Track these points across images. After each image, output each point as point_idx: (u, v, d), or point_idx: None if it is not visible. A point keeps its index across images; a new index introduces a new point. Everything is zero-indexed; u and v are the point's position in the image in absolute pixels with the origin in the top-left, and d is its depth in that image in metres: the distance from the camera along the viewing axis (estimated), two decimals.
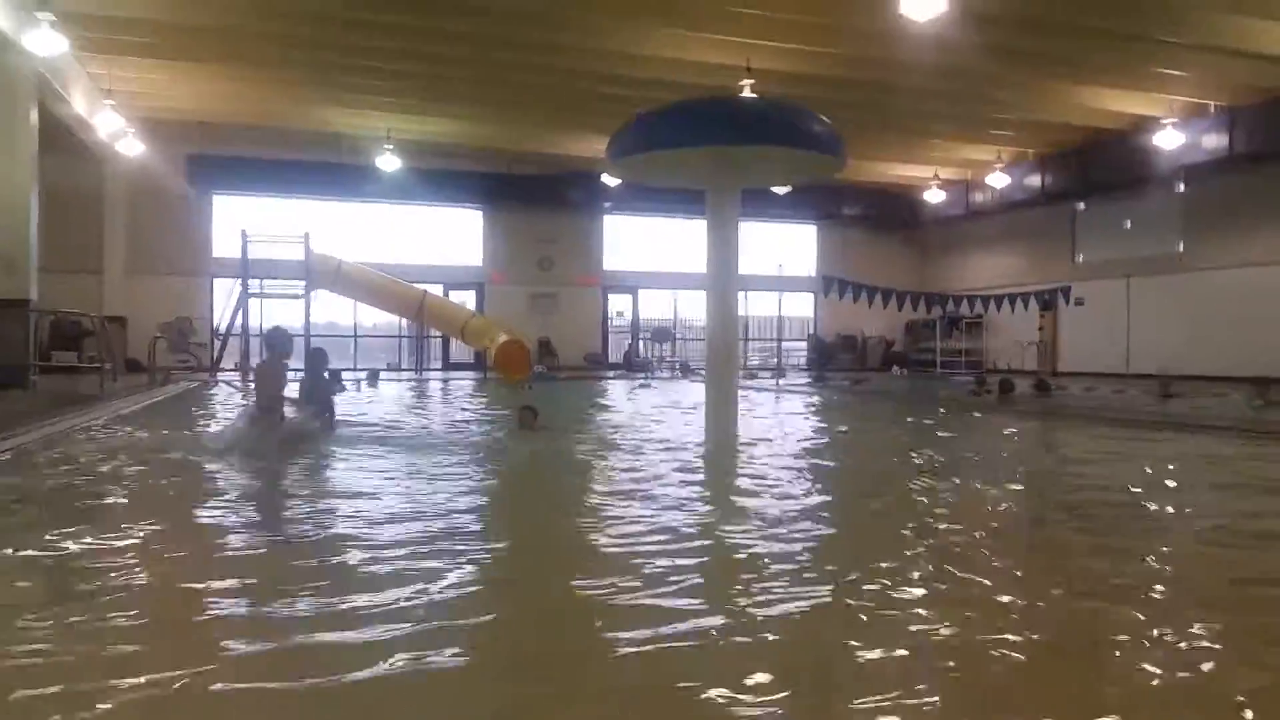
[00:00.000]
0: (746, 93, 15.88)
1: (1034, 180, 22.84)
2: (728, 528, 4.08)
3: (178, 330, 21.42)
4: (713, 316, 6.19)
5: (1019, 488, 5.66)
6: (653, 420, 9.67)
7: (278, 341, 7.53)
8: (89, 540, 3.85)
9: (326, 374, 8.37)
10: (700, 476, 5.70)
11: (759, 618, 2.83)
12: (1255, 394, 13.35)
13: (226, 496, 5.20)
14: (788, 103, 5.78)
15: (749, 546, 3.78)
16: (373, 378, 17.98)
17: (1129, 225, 22.32)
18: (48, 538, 3.85)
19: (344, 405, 11.37)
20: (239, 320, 20.96)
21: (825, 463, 6.47)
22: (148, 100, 18.86)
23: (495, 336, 20.33)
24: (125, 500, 5.05)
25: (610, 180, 22.80)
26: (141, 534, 4.03)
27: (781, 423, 9.49)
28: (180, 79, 17.88)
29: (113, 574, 3.34)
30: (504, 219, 25.49)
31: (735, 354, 6.29)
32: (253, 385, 7.72)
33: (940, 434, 8.80)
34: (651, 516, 4.43)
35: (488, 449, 7.27)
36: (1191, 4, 13.79)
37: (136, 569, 3.44)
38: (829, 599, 3.07)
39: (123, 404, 11.08)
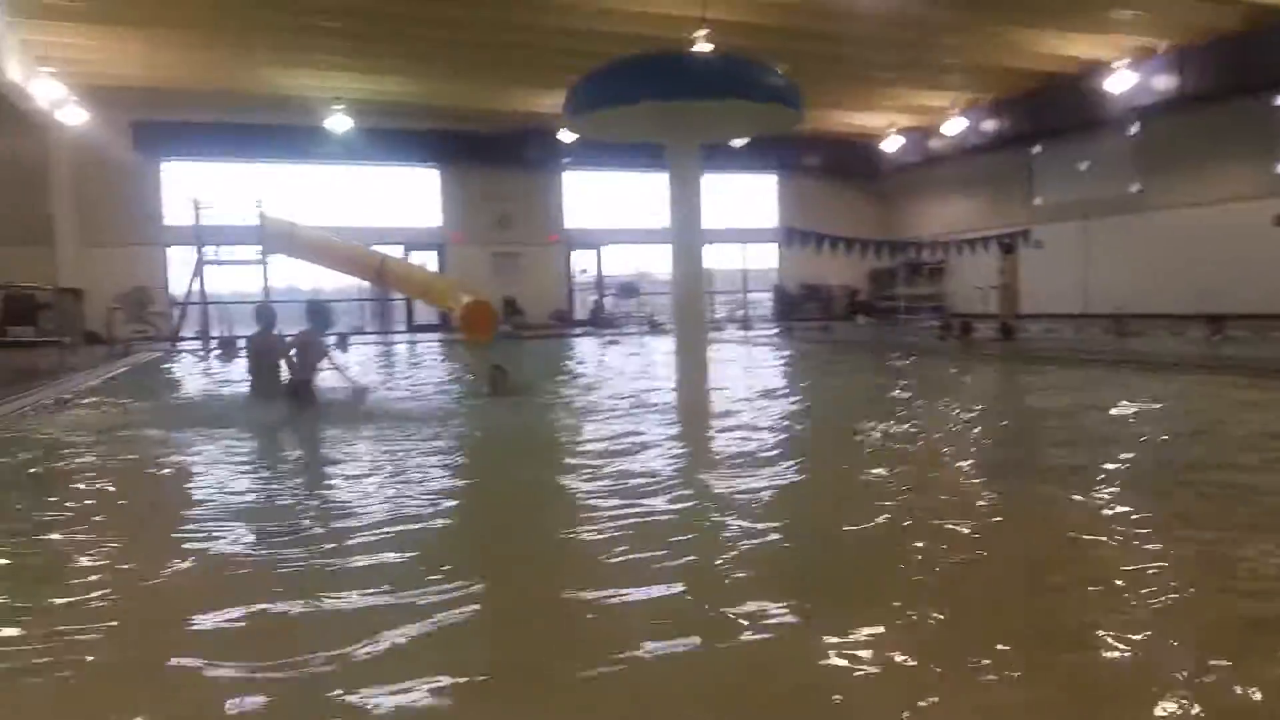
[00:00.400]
0: (701, 44, 15.86)
1: (990, 125, 22.96)
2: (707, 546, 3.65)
3: (135, 300, 21.09)
4: (678, 272, 6.19)
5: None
6: (625, 377, 9.70)
7: (265, 316, 7.95)
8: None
9: (333, 335, 8.39)
10: (677, 452, 5.57)
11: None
12: (1211, 330, 13.70)
13: (204, 477, 5.18)
14: (742, 56, 5.74)
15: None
16: (342, 342, 17.36)
17: (1085, 167, 22.51)
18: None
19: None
20: (196, 288, 20.69)
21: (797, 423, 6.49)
22: (87, 66, 18.33)
23: (460, 298, 20.20)
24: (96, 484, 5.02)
25: (568, 136, 22.64)
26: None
27: (751, 376, 9.50)
28: (120, 44, 17.38)
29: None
30: (461, 178, 25.19)
31: (702, 309, 6.32)
32: (247, 359, 8.00)
33: (906, 382, 8.91)
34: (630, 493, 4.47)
35: (465, 418, 7.22)
36: None
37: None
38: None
39: (85, 377, 10.94)
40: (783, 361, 12.43)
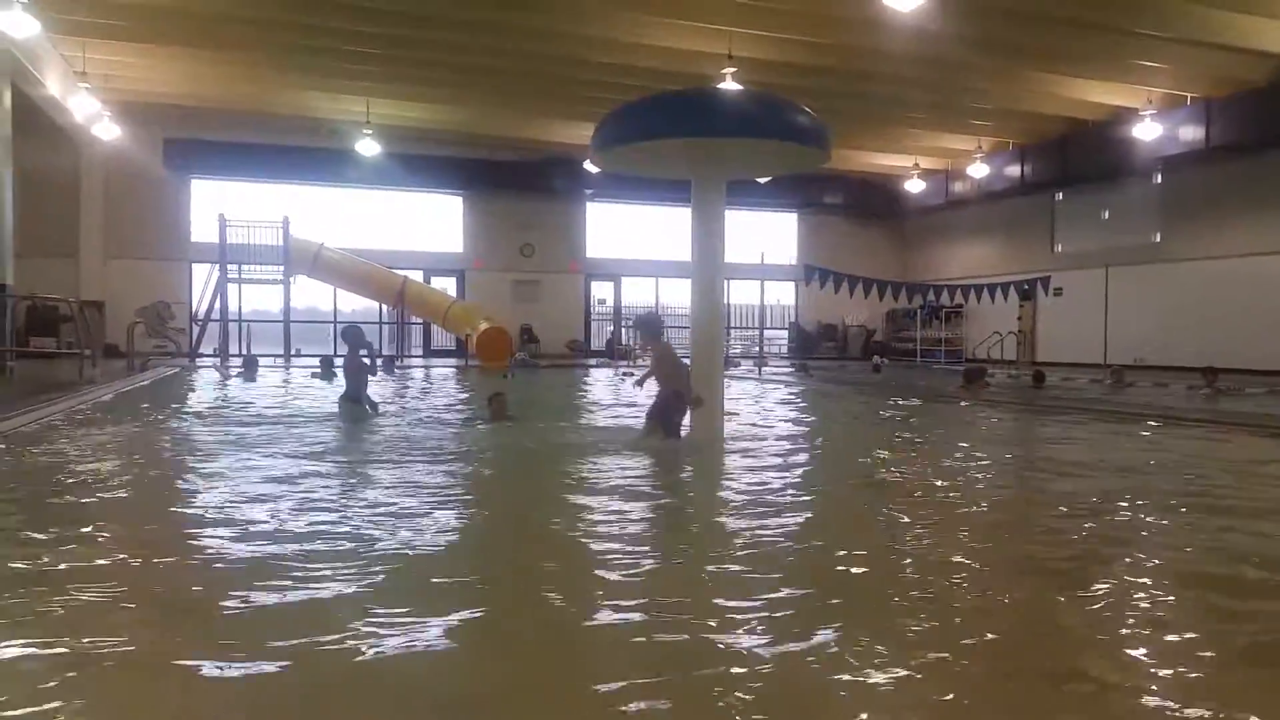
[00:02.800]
0: (728, 81, 15.99)
1: (1014, 170, 22.98)
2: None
3: (156, 315, 21.27)
4: (697, 307, 6.18)
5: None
6: (633, 410, 9.61)
7: (352, 338, 8.93)
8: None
9: (363, 354, 9.02)
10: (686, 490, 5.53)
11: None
12: (1204, 381, 13.62)
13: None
14: (771, 95, 5.76)
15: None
16: (389, 365, 16.72)
17: (1107, 215, 22.49)
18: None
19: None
20: (217, 305, 20.86)
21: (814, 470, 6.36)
22: (124, 83, 18.65)
23: (476, 323, 20.31)
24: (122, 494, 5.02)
25: (592, 167, 22.80)
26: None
27: (766, 417, 9.41)
28: (157, 62, 17.69)
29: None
30: (485, 205, 25.38)
31: (720, 347, 6.28)
32: (342, 377, 9.31)
33: (926, 432, 8.79)
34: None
35: (456, 442, 7.15)
36: None
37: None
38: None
39: (102, 390, 11.00)
40: (797, 401, 12.33)
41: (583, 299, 26.83)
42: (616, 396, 12.93)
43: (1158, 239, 21.15)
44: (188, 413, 9.20)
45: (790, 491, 5.08)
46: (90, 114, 18.04)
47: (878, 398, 12.23)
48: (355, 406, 8.78)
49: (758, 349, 25.61)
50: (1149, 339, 20.45)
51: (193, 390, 12.63)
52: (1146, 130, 18.51)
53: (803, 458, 6.26)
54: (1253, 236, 18.89)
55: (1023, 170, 22.76)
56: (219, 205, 21.89)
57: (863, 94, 18.71)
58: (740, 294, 27.53)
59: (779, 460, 5.92)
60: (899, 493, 5.22)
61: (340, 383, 9.93)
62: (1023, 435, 8.61)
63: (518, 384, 16.44)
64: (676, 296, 27.39)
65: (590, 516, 4.29)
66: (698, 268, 6.29)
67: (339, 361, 10.54)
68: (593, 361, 22.61)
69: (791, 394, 13.29)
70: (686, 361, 6.53)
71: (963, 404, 11.17)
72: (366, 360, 8.94)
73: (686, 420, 6.69)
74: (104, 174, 21.55)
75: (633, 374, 17.39)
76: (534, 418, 8.99)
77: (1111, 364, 17.05)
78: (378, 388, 11.15)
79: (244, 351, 20.59)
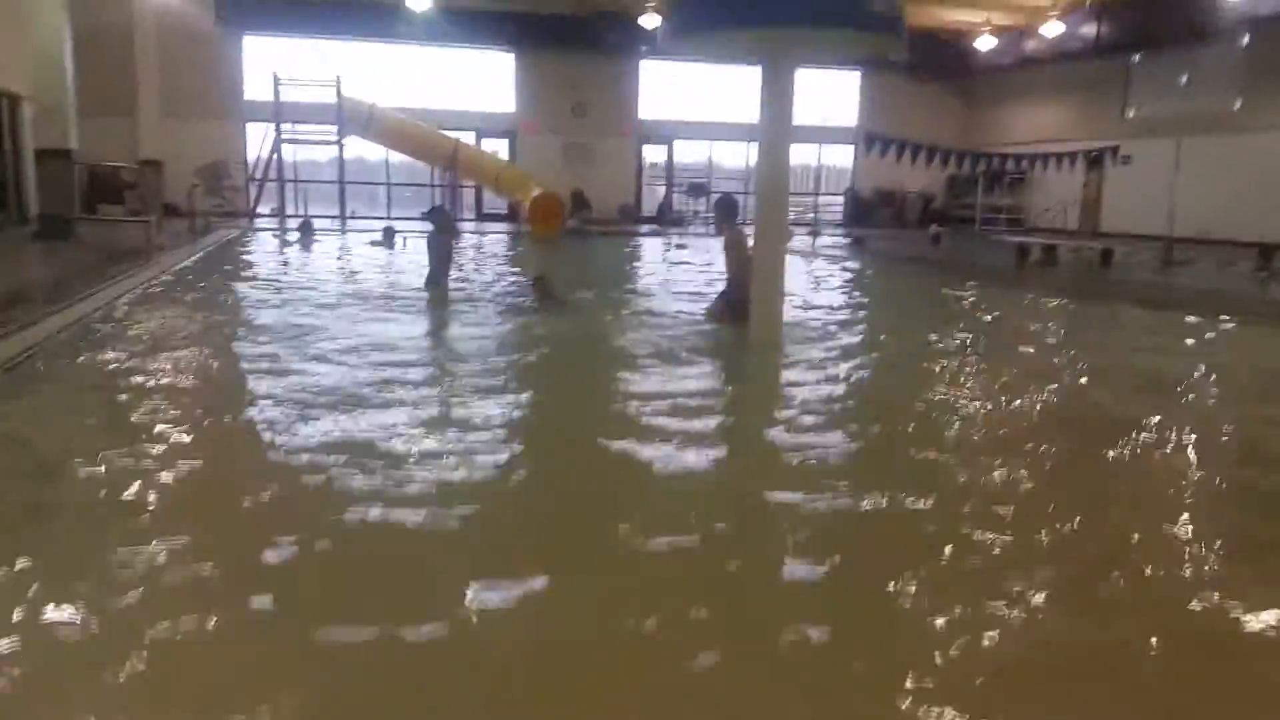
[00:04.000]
0: None
1: (1089, 30, 21.83)
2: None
3: (213, 174, 21.45)
4: (763, 195, 6.12)
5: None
6: (686, 293, 9.60)
7: (437, 218, 9.52)
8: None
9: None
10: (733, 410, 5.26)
11: None
12: (1259, 263, 13.24)
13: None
14: None
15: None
16: (388, 238, 15.89)
17: (1185, 81, 21.41)
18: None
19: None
20: (274, 164, 20.95)
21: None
22: None
23: (529, 189, 20.19)
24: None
25: (648, 21, 22.08)
26: None
27: (826, 311, 9.08)
28: None
29: None
30: (537, 63, 24.78)
31: (784, 239, 6.24)
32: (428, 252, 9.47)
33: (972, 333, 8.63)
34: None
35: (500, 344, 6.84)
36: None
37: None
38: None
39: (170, 259, 11.26)
40: (850, 289, 12.04)
41: (635, 162, 26.44)
42: (667, 273, 12.90)
43: (1237, 107, 20.18)
44: (262, 299, 8.83)
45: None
46: None
47: (934, 285, 11.96)
48: (438, 289, 9.03)
49: (813, 215, 25.27)
50: (1217, 212, 19.78)
51: (259, 262, 12.78)
52: None
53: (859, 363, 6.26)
54: None
55: (1099, 30, 21.62)
56: (270, 62, 21.70)
57: None
58: (796, 156, 26.94)
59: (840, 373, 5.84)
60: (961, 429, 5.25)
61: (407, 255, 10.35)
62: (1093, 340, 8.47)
63: (568, 256, 16.53)
64: (730, 159, 26.93)
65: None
66: (765, 153, 6.19)
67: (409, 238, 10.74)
68: (644, 229, 22.46)
69: (847, 279, 13.05)
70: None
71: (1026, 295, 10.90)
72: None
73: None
74: (157, 31, 21.32)
75: (685, 246, 17.43)
76: (583, 300, 9.03)
77: (1165, 239, 16.66)
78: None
79: (301, 213, 20.80)
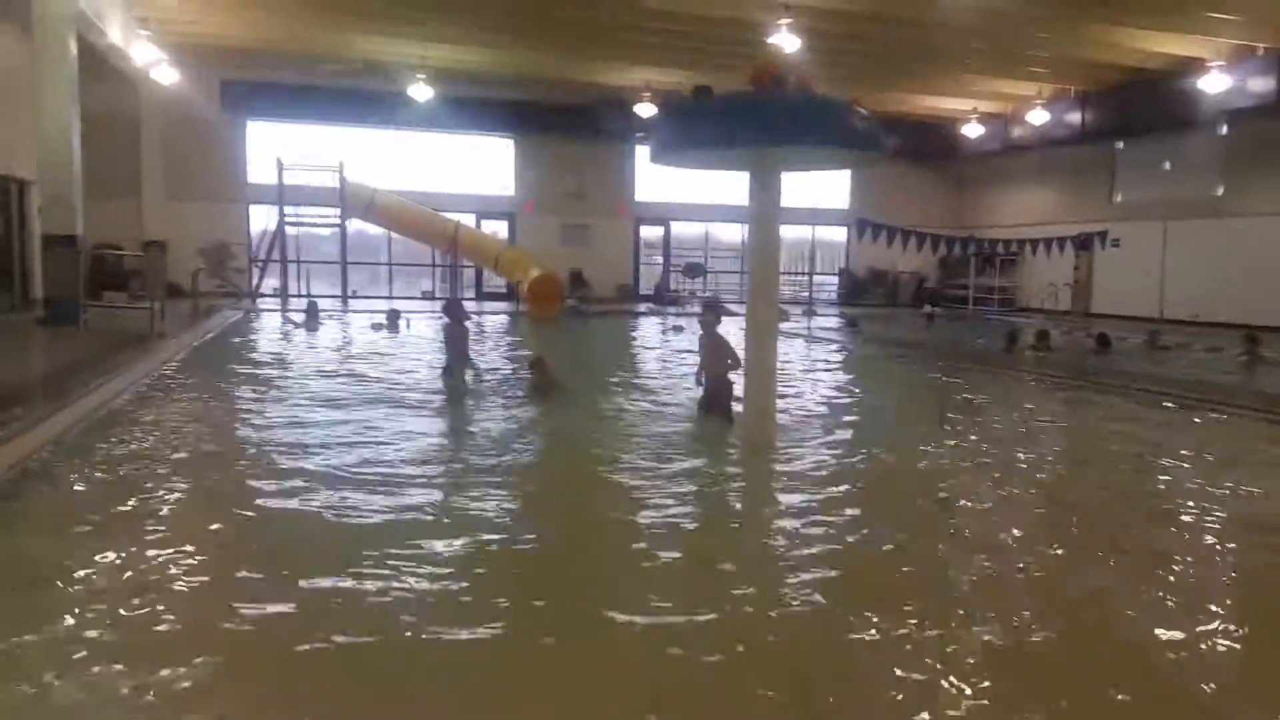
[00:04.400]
0: (784, 31, 15.79)
1: (1074, 117, 22.42)
2: None
3: (217, 255, 21.76)
4: (754, 306, 6.28)
5: None
6: (681, 380, 9.71)
7: (454, 311, 9.60)
8: None
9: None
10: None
11: None
12: (1243, 348, 13.45)
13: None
14: (830, 99, 5.81)
15: None
16: (391, 321, 16.12)
17: (1169, 167, 21.97)
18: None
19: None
20: (276, 248, 21.30)
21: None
22: (182, 26, 18.81)
23: (529, 270, 20.51)
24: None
25: (643, 110, 22.68)
26: None
27: (814, 400, 9.03)
28: (213, 7, 17.81)
29: None
30: (536, 148, 25.37)
31: (774, 345, 6.39)
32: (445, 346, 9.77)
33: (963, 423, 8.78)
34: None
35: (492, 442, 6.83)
36: None
37: None
38: None
39: (173, 348, 11.40)
40: (847, 376, 12.18)
41: (632, 243, 26.88)
42: (664, 357, 13.10)
43: (1220, 193, 20.66)
44: (269, 385, 9.07)
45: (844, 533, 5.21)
46: (150, 60, 18.29)
47: (929, 367, 12.15)
48: (454, 380, 9.14)
49: (807, 295, 25.64)
50: (1206, 294, 20.11)
51: (265, 347, 12.95)
52: (1213, 82, 17.99)
53: (856, 470, 6.23)
54: None
55: (1083, 118, 22.22)
56: (274, 147, 22.20)
57: (921, 40, 18.30)
58: (791, 236, 27.51)
59: (832, 480, 5.78)
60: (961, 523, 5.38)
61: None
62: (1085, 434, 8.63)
63: (567, 337, 16.76)
64: (727, 234, 27.38)
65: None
66: (754, 259, 6.40)
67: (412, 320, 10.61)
68: (641, 308, 22.74)
69: (841, 362, 13.24)
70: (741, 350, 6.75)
71: (1025, 377, 11.06)
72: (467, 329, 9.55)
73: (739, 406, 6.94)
74: (163, 116, 21.87)
75: (682, 328, 17.67)
76: (580, 385, 9.18)
77: (1154, 325, 16.97)
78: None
79: (304, 293, 21.11)
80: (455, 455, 6.32)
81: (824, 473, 5.92)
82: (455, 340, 9.43)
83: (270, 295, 21.41)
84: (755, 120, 5.43)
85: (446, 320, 9.75)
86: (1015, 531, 4.82)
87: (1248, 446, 7.21)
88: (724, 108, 5.64)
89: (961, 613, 3.57)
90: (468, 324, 9.75)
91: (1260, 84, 18.05)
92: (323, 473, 5.45)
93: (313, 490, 5.08)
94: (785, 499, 5.35)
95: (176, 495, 5.04)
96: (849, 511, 5.09)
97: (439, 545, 4.17)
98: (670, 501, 5.09)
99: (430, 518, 4.67)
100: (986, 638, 3.31)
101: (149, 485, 5.12)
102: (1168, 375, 11.05)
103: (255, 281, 21.55)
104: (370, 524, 4.53)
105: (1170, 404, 8.80)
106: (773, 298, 6.55)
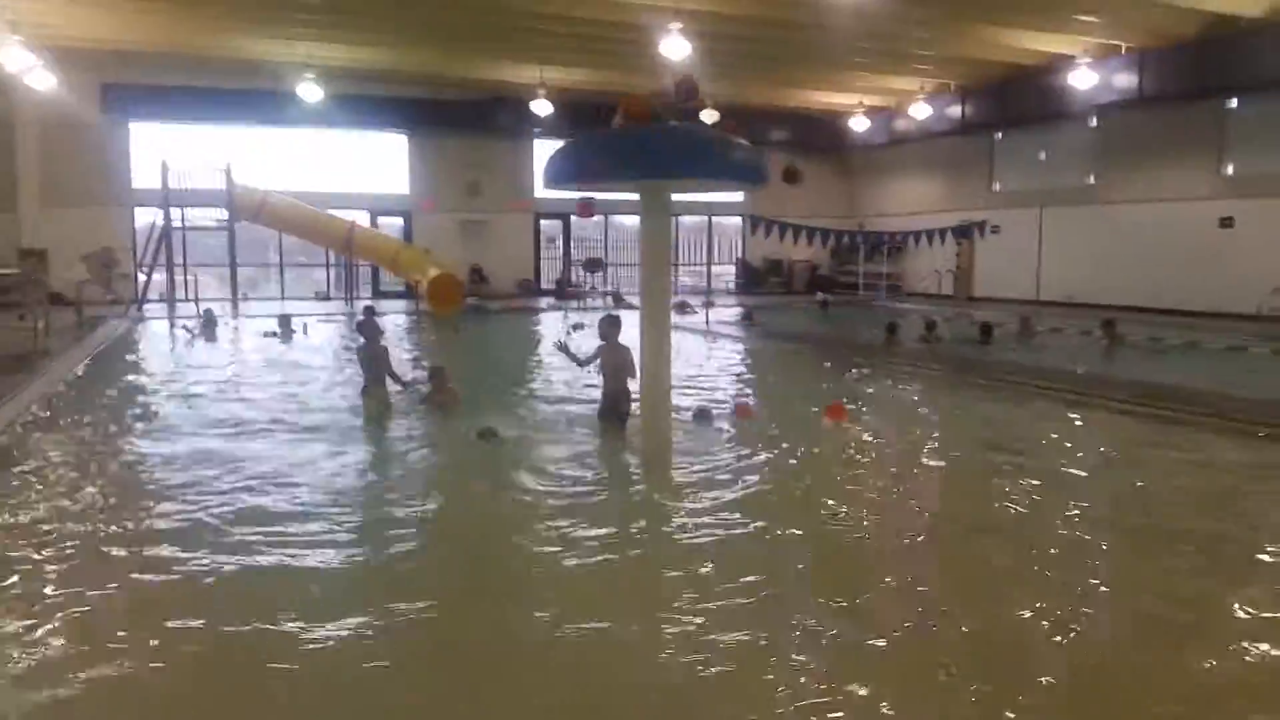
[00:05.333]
0: (676, 35, 16.07)
1: (954, 111, 23.37)
2: None
3: (100, 262, 21.02)
4: (647, 323, 6.53)
5: None
6: (585, 387, 9.89)
7: (368, 331, 9.26)
8: None
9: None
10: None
11: None
12: (1102, 332, 14.44)
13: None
14: (716, 133, 6.11)
15: None
16: (285, 328, 15.71)
17: (1044, 157, 23.10)
18: None
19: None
20: (162, 252, 20.70)
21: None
22: (57, 30, 18.11)
23: (427, 270, 20.41)
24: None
25: (540, 108, 22.72)
26: None
27: (716, 405, 9.00)
28: (89, 9, 17.19)
29: None
30: (431, 145, 25.17)
31: (668, 359, 6.66)
32: (361, 365, 9.18)
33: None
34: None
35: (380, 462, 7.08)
36: None
37: None
38: None
39: (58, 368, 11.10)
40: (745, 372, 12.61)
41: (532, 238, 26.93)
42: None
43: (1091, 181, 21.82)
44: (158, 416, 8.63)
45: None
46: (23, 65, 17.58)
47: (819, 363, 12.65)
48: (373, 400, 8.73)
49: (706, 284, 26.15)
50: (1081, 278, 21.24)
51: (158, 365, 12.60)
52: (1082, 78, 18.95)
53: (747, 474, 6.57)
54: (1178, 183, 19.65)
55: (963, 111, 23.17)
56: (160, 150, 21.54)
57: (808, 40, 18.82)
58: (690, 226, 28.03)
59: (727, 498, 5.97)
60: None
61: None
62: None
63: (468, 338, 16.82)
64: (627, 230, 27.64)
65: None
66: (646, 273, 6.65)
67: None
68: (544, 304, 22.86)
69: (739, 358, 13.66)
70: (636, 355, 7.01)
71: (906, 370, 11.60)
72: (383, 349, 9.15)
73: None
74: (39, 121, 21.01)
75: (581, 325, 17.86)
76: (480, 392, 9.24)
77: (1025, 310, 18.04)
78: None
79: (190, 297, 20.61)
80: (352, 494, 6.12)
81: (717, 478, 6.27)
82: (371, 361, 8.97)
83: (158, 302, 20.85)
84: (640, 156, 5.68)
85: (361, 340, 9.25)
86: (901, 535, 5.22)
87: (1123, 439, 7.80)
88: (610, 144, 5.87)
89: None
90: (380, 341, 9.28)
91: (1124, 80, 19.13)
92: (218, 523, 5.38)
93: (218, 545, 4.95)
94: (677, 506, 5.67)
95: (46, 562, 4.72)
96: (737, 517, 5.41)
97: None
98: (568, 523, 5.33)
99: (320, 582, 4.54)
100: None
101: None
102: (1036, 366, 11.70)
103: (142, 288, 20.91)
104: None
105: (1037, 394, 9.44)
106: (665, 313, 6.82)
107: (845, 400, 8.80)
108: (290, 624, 3.89)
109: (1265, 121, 18.30)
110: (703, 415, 8.36)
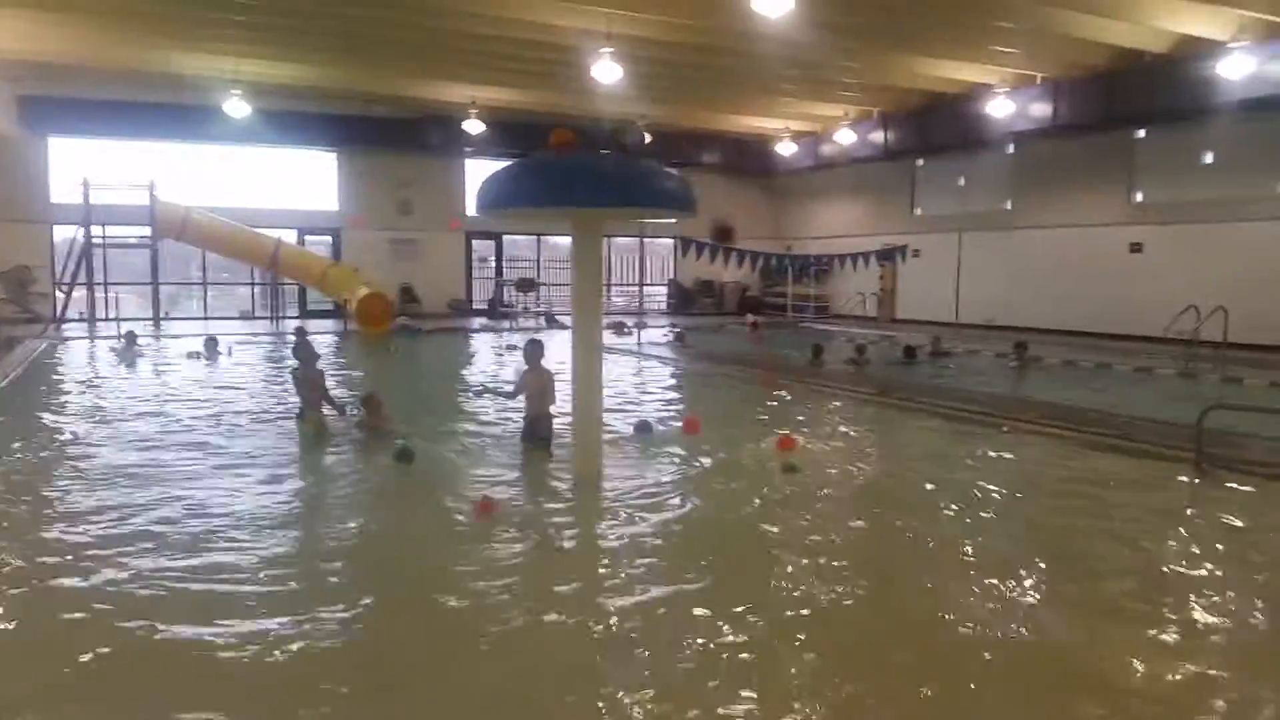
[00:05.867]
0: (606, 59, 16.29)
1: (877, 137, 23.98)
2: None
3: (17, 280, 20.47)
4: (578, 353, 6.66)
5: None
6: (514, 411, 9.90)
7: (303, 353, 9.16)
8: None
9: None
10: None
11: None
12: (1013, 355, 15.02)
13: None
14: (648, 165, 6.29)
15: None
16: (210, 349, 15.53)
17: (963, 183, 23.85)
18: None
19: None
20: (83, 270, 20.23)
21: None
22: None
23: (356, 289, 20.27)
24: None
25: (472, 126, 22.77)
26: None
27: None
28: (8, 19, 16.76)
29: None
30: (360, 162, 25.02)
31: (599, 386, 6.81)
32: (297, 388, 9.24)
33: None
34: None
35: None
36: None
37: None
38: None
39: None
40: (673, 394, 12.78)
41: (464, 256, 26.88)
42: (498, 377, 13.34)
43: (1008, 206, 22.59)
44: (83, 442, 8.38)
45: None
46: None
47: (750, 384, 12.89)
48: (309, 424, 8.74)
49: (638, 304, 26.37)
50: (999, 300, 21.96)
51: (78, 388, 12.30)
52: (1000, 106, 19.64)
53: (675, 496, 6.64)
54: (1091, 209, 20.46)
55: (886, 137, 23.79)
56: (80, 164, 21.08)
57: (735, 68, 19.24)
58: (623, 246, 28.26)
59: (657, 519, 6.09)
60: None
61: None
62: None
63: (399, 359, 16.74)
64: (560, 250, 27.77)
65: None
66: (577, 311, 6.80)
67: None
68: (475, 324, 22.80)
69: (670, 382, 13.84)
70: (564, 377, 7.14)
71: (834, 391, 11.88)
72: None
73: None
74: None
75: (514, 346, 17.89)
76: (412, 419, 9.16)
77: (937, 332, 18.67)
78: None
79: (111, 316, 20.16)
80: (275, 517, 6.08)
81: (646, 500, 6.41)
82: (307, 385, 8.99)
83: (78, 321, 20.34)
84: (578, 186, 5.82)
85: (296, 364, 9.26)
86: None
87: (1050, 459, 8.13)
88: (541, 174, 6.01)
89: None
90: (320, 366, 9.29)
91: (1039, 109, 19.87)
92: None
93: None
94: (609, 529, 5.80)
95: None
96: (667, 546, 5.56)
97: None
98: (501, 550, 5.41)
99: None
100: None
101: None
102: (944, 387, 12.10)
103: (61, 307, 20.38)
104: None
105: (956, 416, 9.78)
106: (597, 334, 6.98)
107: (789, 432, 8.88)
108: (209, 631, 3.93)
109: (1170, 151, 19.20)
110: (643, 427, 8.86)
